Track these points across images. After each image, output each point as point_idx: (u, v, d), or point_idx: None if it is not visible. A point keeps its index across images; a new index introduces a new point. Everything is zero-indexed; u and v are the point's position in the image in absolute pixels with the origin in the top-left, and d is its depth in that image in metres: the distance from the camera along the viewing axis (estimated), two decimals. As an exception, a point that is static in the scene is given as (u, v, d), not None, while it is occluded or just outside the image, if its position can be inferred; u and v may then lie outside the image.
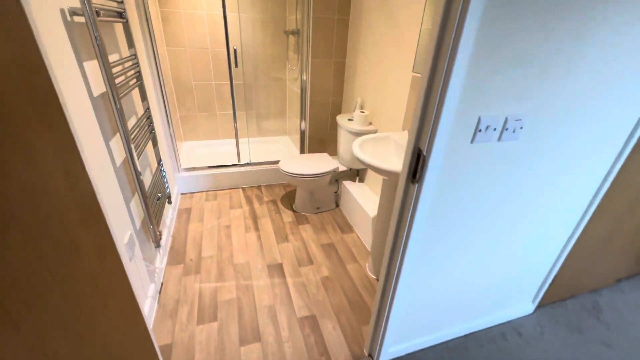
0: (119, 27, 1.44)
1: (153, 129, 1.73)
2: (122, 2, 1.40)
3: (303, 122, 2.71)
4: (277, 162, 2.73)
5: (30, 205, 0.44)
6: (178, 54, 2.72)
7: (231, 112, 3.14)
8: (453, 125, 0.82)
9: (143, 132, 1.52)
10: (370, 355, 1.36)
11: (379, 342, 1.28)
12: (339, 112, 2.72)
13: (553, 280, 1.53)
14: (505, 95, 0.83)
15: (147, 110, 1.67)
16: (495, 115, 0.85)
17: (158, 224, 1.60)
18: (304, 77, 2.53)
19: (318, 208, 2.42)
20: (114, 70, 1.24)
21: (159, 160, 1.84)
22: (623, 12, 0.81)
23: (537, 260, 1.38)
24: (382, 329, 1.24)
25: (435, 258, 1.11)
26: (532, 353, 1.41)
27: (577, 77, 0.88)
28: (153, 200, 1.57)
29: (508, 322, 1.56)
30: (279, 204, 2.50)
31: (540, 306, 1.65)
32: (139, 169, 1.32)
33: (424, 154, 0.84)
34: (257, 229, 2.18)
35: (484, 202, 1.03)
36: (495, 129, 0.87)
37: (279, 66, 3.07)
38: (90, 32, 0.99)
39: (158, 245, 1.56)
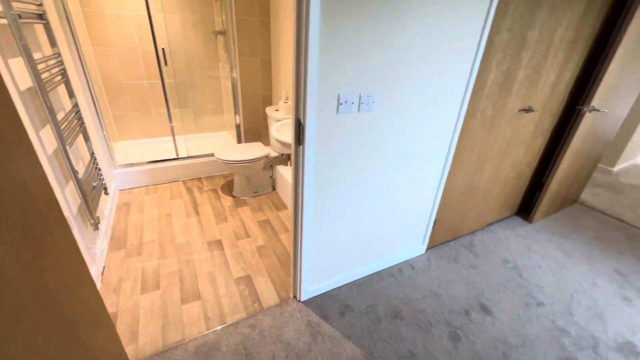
0: (40, 28, 1.54)
1: (83, 123, 1.83)
2: (41, 5, 1.51)
3: (237, 116, 2.93)
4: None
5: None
6: (105, 54, 2.75)
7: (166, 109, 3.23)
8: (319, 100, 1.14)
9: (72, 125, 1.64)
10: (294, 296, 1.66)
11: (298, 283, 1.59)
12: (270, 104, 2.99)
13: (434, 225, 1.99)
14: (356, 76, 1.18)
15: (75, 106, 1.77)
16: (351, 92, 1.20)
17: (95, 209, 1.72)
18: (234, 74, 2.75)
19: (256, 192, 2.67)
20: (39, 67, 1.37)
21: (92, 153, 1.94)
22: (435, 4, 1.21)
23: (418, 209, 1.81)
24: (299, 272, 1.55)
25: (329, 211, 1.45)
26: (420, 279, 1.84)
27: (408, 59, 1.27)
28: (88, 188, 1.69)
29: (405, 261, 1.98)
30: (219, 192, 2.70)
31: (430, 248, 2.11)
32: (71, 157, 1.46)
33: (302, 122, 1.16)
34: (197, 214, 2.36)
35: (360, 161, 1.39)
36: (353, 103, 1.22)
37: (212, 64, 3.24)
38: (14, 33, 1.13)
39: (96, 228, 1.69)
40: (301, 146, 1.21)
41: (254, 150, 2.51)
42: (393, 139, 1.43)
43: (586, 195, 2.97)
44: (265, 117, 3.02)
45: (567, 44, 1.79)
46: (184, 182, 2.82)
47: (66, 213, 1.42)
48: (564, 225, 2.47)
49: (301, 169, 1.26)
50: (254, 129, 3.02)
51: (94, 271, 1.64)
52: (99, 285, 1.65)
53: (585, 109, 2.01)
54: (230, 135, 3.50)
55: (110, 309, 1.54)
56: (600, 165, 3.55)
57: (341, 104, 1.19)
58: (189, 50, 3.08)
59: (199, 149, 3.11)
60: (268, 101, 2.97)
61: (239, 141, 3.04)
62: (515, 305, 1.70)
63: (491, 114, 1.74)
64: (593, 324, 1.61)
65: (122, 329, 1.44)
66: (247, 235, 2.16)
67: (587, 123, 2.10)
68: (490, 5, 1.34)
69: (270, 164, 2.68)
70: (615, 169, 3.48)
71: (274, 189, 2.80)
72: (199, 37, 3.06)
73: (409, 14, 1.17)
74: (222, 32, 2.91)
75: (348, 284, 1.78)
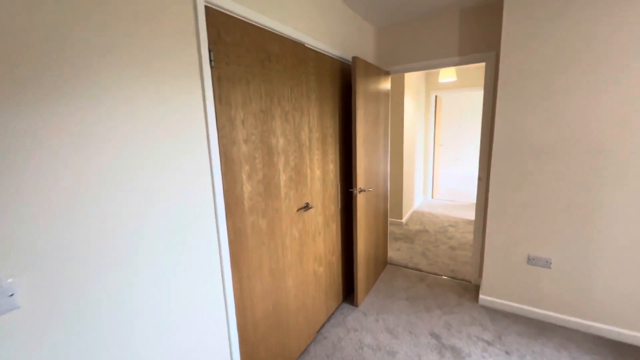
0: None
1: None
2: None
3: None
4: None
5: None
6: None
7: None
8: None
9: None
10: None
11: None
12: None
13: (247, 379, 1.47)
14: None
15: None
16: None
17: None
18: None
19: None
20: None
21: None
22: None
23: (208, 378, 1.26)
24: None
25: None
26: None
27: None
28: None
29: None
30: None
31: (254, 409, 1.55)
32: None
33: None
34: None
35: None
36: (-56, 318, 0.62)
37: None
38: None
39: None
40: None
41: None
42: (115, 313, 0.89)
43: (392, 253, 3.32)
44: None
45: (317, 142, 1.92)
46: None
47: None
48: (383, 295, 2.52)
49: None
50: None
51: None
52: None
53: (355, 191, 2.19)
54: None
55: None
56: (394, 220, 4.23)
57: None
58: None
59: None
60: None
61: None
62: None
63: (266, 224, 1.53)
64: None
65: None
66: None
67: (363, 200, 2.30)
68: (207, 124, 1.16)
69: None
70: (404, 220, 4.23)
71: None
72: None
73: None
74: None
75: None
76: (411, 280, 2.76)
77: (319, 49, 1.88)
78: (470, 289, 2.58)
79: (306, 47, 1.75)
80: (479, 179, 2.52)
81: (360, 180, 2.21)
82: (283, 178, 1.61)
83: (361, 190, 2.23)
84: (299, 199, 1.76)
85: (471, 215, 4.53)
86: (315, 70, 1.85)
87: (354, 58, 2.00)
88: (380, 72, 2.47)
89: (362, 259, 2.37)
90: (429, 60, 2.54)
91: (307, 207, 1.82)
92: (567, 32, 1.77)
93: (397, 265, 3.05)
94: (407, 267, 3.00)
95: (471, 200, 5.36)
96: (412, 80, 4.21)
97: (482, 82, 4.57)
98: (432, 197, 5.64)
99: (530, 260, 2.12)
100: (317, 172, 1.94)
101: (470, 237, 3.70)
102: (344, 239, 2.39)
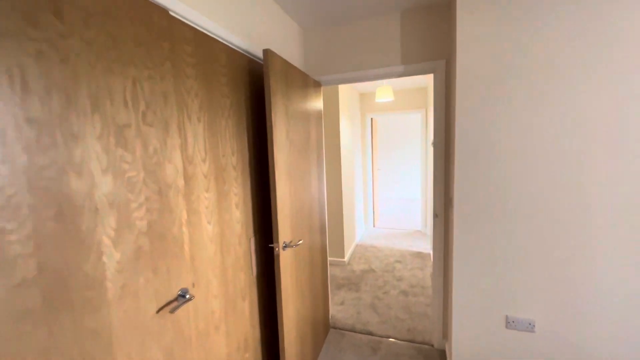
0: None
1: None
2: None
3: None
4: None
5: None
6: None
7: None
8: None
9: None
10: None
11: None
12: None
13: None
14: None
15: None
16: None
17: None
18: None
19: None
20: None
21: None
22: None
23: None
24: None
25: None
26: None
27: None
28: None
29: None
30: None
31: None
32: None
33: None
34: None
35: None
36: None
37: None
38: None
39: None
40: None
41: None
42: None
43: (335, 310, 2.61)
44: None
45: (207, 180, 1.16)
46: None
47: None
48: (326, 388, 1.77)
49: None
50: None
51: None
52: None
53: (278, 248, 1.46)
54: None
55: None
56: (335, 259, 3.59)
57: None
58: None
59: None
60: None
61: None
62: None
63: (58, 376, 0.68)
64: None
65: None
66: None
67: (290, 257, 1.58)
68: None
69: None
70: (346, 258, 3.61)
71: None
72: None
73: None
74: None
75: None
76: (362, 352, 2.07)
77: (206, 29, 1.17)
78: (434, 358, 2.00)
79: (174, 17, 1.02)
80: (435, 215, 2.03)
81: (284, 230, 1.49)
82: (114, 258, 0.80)
83: (286, 246, 1.51)
84: (161, 288, 0.95)
85: (416, 245, 4.16)
86: (198, 60, 1.12)
87: (266, 51, 1.34)
88: (307, 80, 1.86)
89: (293, 340, 1.60)
90: (369, 69, 2.04)
91: (182, 297, 1.01)
92: (533, 32, 1.40)
93: (342, 329, 2.35)
94: (354, 331, 2.31)
95: (413, 226, 5.07)
96: (346, 100, 3.78)
97: (418, 104, 4.40)
98: (374, 226, 5.21)
99: (510, 324, 1.63)
100: (209, 228, 1.17)
101: (420, 274, 3.24)
102: (266, 315, 1.61)
